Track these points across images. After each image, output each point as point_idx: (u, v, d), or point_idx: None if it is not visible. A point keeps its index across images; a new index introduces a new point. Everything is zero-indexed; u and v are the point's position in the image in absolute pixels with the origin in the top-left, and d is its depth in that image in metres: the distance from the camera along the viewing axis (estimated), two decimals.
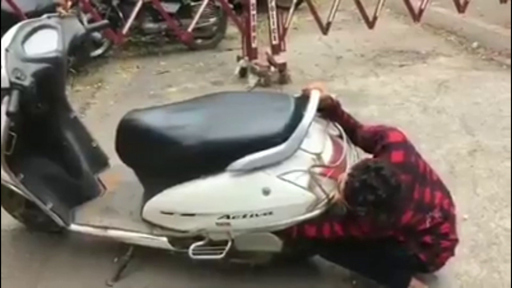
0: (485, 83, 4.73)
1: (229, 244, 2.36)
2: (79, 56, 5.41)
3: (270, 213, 2.20)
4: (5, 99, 2.27)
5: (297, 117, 2.20)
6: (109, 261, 2.70)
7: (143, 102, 4.47)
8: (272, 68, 5.12)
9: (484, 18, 6.34)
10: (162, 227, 2.46)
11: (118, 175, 2.84)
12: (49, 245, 2.87)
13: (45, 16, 2.71)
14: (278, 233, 2.29)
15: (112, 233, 2.58)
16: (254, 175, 2.17)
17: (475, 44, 5.81)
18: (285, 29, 5.35)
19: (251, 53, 5.23)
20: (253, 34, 5.14)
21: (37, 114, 2.55)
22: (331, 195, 2.19)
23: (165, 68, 5.95)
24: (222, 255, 2.37)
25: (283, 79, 5.10)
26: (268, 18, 5.16)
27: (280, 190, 2.17)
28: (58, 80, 2.68)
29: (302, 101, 2.30)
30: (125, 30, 5.34)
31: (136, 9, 5.22)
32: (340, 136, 2.40)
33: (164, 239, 2.47)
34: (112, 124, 2.48)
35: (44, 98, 2.53)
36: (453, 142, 3.70)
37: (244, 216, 2.22)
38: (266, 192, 2.17)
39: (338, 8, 5.34)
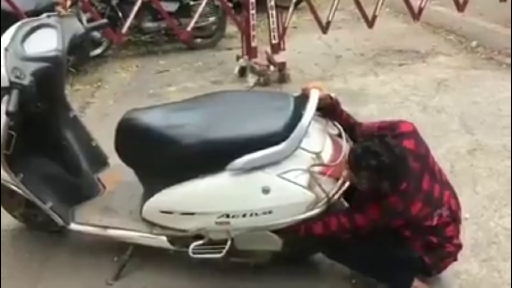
0: (484, 82, 4.73)
1: (229, 243, 2.36)
2: (79, 55, 5.40)
3: (270, 212, 2.20)
4: (5, 98, 2.26)
5: (297, 116, 2.20)
6: (109, 261, 2.70)
7: (143, 101, 4.48)
8: (272, 67, 5.11)
9: (484, 17, 6.34)
10: (162, 226, 2.46)
11: (117, 174, 2.84)
12: (49, 245, 2.87)
13: (44, 15, 2.70)
14: (278, 232, 2.30)
15: (112, 232, 2.58)
16: (254, 174, 2.17)
17: (474, 43, 5.81)
18: (284, 28, 5.35)
19: (251, 52, 5.23)
20: (252, 33, 5.14)
21: (37, 114, 2.55)
22: (330, 194, 2.19)
23: (164, 67, 5.95)
24: (221, 254, 2.37)
25: (283, 78, 5.09)
26: (268, 17, 5.15)
27: (279, 189, 2.17)
28: (58, 79, 2.67)
29: (302, 100, 2.30)
30: (124, 29, 5.33)
31: (136, 8, 5.21)
32: (340, 135, 2.40)
33: (164, 238, 2.47)
34: (111, 124, 2.48)
35: (43, 97, 2.52)
36: (453, 141, 3.70)
37: (244, 215, 2.22)
38: (265, 191, 2.17)
39: (338, 7, 5.33)
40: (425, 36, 6.34)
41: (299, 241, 2.33)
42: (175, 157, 2.25)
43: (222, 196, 2.24)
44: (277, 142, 2.15)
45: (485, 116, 4.05)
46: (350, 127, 2.42)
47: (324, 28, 5.43)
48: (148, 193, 2.43)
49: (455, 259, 2.34)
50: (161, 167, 2.31)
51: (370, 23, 5.49)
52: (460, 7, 5.66)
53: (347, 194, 2.28)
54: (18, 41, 2.44)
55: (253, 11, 5.07)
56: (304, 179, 2.18)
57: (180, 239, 2.46)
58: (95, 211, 2.69)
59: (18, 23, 2.59)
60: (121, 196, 2.75)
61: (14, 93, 2.22)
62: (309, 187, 2.18)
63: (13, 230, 2.99)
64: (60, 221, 2.61)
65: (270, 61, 5.16)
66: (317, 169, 2.20)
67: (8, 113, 2.20)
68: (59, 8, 5.24)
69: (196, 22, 5.53)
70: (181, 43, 6.30)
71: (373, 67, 5.43)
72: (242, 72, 5.34)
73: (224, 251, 2.36)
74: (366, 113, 4.10)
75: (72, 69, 5.43)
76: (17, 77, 2.26)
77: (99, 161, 2.95)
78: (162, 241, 2.48)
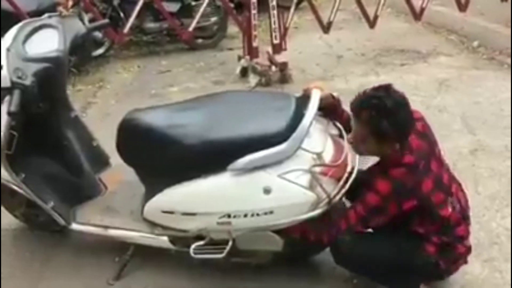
0: (486, 82, 4.73)
1: (230, 243, 2.35)
2: (80, 55, 5.41)
3: (271, 212, 2.20)
4: (6, 98, 2.27)
5: (298, 116, 2.19)
6: (110, 261, 2.70)
7: (144, 101, 4.48)
8: (273, 68, 5.11)
9: (485, 17, 6.32)
10: (163, 227, 2.46)
11: (119, 174, 2.84)
12: (50, 245, 2.87)
13: (46, 15, 2.71)
14: (279, 232, 2.30)
15: (113, 232, 2.59)
16: (255, 174, 2.17)
17: (476, 43, 5.80)
18: (286, 28, 5.35)
19: (252, 52, 5.23)
20: (254, 33, 5.14)
21: (38, 114, 2.56)
22: (332, 194, 2.19)
23: (166, 68, 5.95)
24: (223, 255, 2.37)
25: (284, 79, 5.09)
26: (269, 17, 5.15)
27: (281, 189, 2.17)
28: (59, 79, 2.68)
29: (303, 100, 2.30)
30: (126, 29, 5.33)
31: (137, 8, 5.22)
32: (341, 135, 2.39)
33: (165, 238, 2.47)
34: (113, 124, 2.48)
35: (45, 97, 2.53)
36: (455, 141, 3.70)
37: (245, 216, 2.22)
38: (267, 191, 2.17)
39: (339, 7, 5.33)
40: (427, 36, 6.34)
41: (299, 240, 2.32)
42: (176, 157, 2.25)
43: (224, 196, 2.24)
44: (278, 142, 2.15)
45: (486, 116, 4.05)
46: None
47: (326, 28, 5.43)
48: (150, 193, 2.43)
49: (465, 262, 2.31)
50: (162, 167, 2.31)
51: (372, 23, 5.49)
52: (462, 7, 5.66)
53: (350, 194, 2.28)
54: (20, 42, 2.45)
55: (254, 11, 5.07)
56: (305, 179, 2.18)
57: (181, 239, 2.46)
58: (96, 211, 2.70)
59: (20, 24, 2.60)
60: (122, 196, 2.75)
61: (16, 93, 2.23)
62: (310, 187, 2.18)
63: (14, 230, 2.99)
64: (61, 221, 2.62)
65: (272, 61, 5.16)
66: (318, 169, 2.19)
67: (9, 113, 2.21)
68: (60, 8, 5.24)
69: (198, 23, 5.53)
70: (183, 43, 6.31)
71: (375, 67, 5.43)
72: (244, 72, 5.34)
73: (225, 251, 2.36)
74: None
75: (74, 69, 5.45)
76: (19, 78, 2.26)
77: (101, 161, 2.95)
78: (163, 241, 2.48)
